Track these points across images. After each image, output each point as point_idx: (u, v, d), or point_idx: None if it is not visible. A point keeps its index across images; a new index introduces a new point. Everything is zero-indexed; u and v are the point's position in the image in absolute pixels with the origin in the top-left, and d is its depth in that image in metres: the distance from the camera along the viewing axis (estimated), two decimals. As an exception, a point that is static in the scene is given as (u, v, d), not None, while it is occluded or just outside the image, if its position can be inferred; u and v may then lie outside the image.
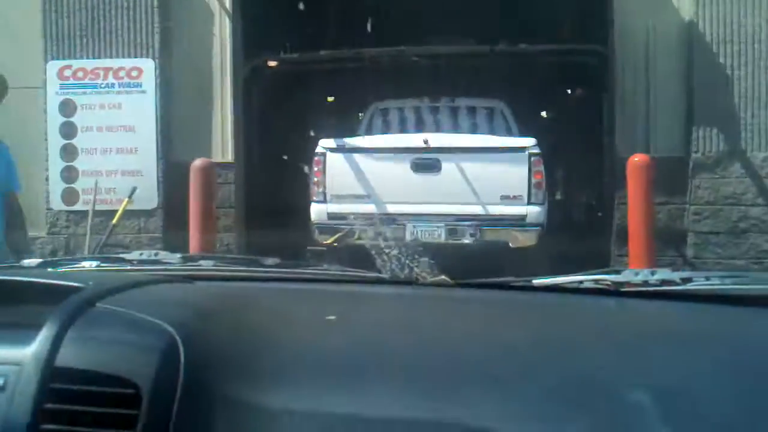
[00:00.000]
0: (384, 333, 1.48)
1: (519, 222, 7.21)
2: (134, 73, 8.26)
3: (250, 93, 9.21)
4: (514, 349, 1.37)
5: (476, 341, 1.42)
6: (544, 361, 1.32)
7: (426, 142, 7.36)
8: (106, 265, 2.09)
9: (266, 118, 9.98)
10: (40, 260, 2.16)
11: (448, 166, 7.23)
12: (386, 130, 8.73)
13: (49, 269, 2.11)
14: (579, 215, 12.25)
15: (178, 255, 2.12)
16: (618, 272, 1.82)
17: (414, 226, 7.07)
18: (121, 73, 8.27)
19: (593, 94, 9.77)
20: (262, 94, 9.89)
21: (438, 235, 7.10)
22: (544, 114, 14.22)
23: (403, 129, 8.74)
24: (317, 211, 7.41)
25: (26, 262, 2.15)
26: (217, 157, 8.19)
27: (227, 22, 8.44)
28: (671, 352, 1.35)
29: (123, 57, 8.29)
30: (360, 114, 10.19)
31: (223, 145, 8.39)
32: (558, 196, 12.86)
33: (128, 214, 7.85)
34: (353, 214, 6.96)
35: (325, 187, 7.37)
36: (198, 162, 7.20)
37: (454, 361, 1.31)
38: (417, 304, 1.79)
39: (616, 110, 7.97)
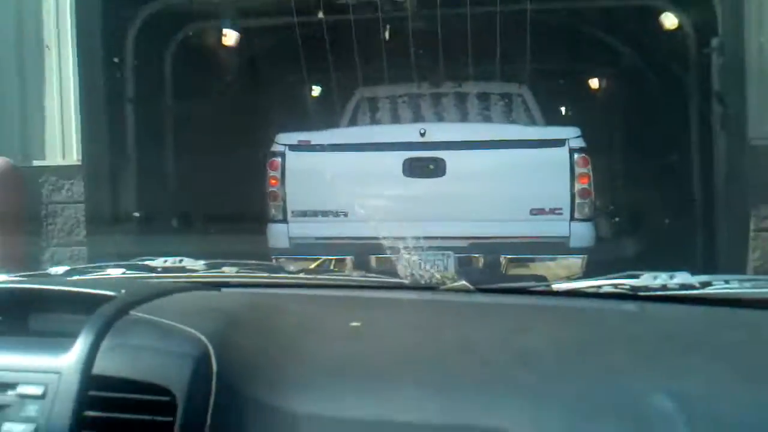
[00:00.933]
0: (407, 338, 1.51)
1: (558, 247, 5.10)
2: None
3: (116, 62, 6.91)
4: (535, 354, 1.39)
5: (498, 346, 1.45)
6: (565, 366, 1.34)
7: (423, 134, 5.18)
8: (132, 273, 2.13)
9: (147, 100, 7.58)
10: (67, 268, 2.20)
11: (454, 169, 5.15)
12: (372, 122, 6.62)
13: (77, 277, 2.16)
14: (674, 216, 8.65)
15: (202, 262, 2.15)
16: (637, 276, 1.84)
17: (409, 255, 4.69)
18: None
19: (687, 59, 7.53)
20: (144, 62, 7.47)
21: (443, 267, 4.66)
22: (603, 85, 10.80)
23: (393, 120, 6.58)
24: (275, 234, 5.33)
25: (53, 270, 2.20)
26: (54, 158, 6.14)
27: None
28: (692, 357, 1.38)
29: None
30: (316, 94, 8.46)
31: (65, 141, 6.12)
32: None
33: None
34: (325, 238, 5.12)
35: (285, 202, 5.27)
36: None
37: (476, 366, 1.34)
38: (439, 310, 1.82)
39: (748, 80, 5.76)
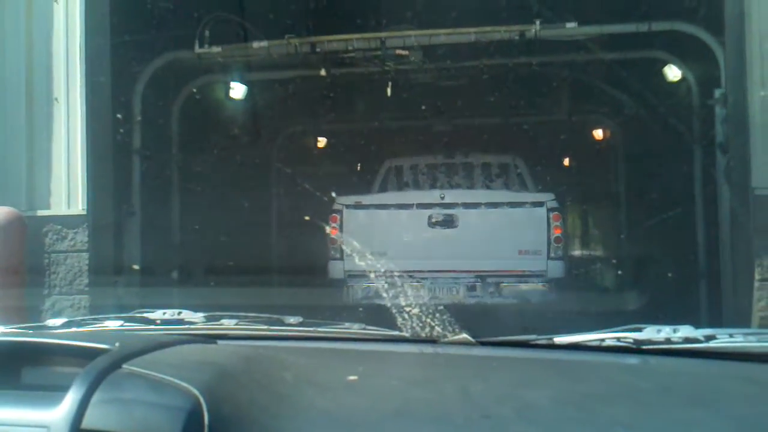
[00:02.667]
0: (406, 392, 1.48)
1: (538, 277, 7.08)
2: None
3: (121, 117, 7.05)
4: (536, 408, 1.36)
5: (499, 400, 1.42)
6: (566, 421, 1.31)
7: (443, 197, 7.32)
8: (130, 325, 2.11)
9: (154, 152, 7.70)
10: (65, 320, 2.18)
11: (464, 222, 7.18)
12: (400, 187, 8.66)
13: (75, 329, 2.14)
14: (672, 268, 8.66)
15: (201, 314, 2.14)
16: (640, 329, 1.81)
17: (432, 283, 6.99)
18: None
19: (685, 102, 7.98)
20: (151, 115, 7.61)
21: (456, 291, 7.01)
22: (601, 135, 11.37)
23: (416, 185, 8.64)
24: (334, 269, 7.30)
25: (50, 321, 2.18)
26: (59, 207, 6.15)
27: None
28: (696, 411, 1.34)
29: None
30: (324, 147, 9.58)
31: (70, 191, 6.14)
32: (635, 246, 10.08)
33: None
34: (371, 271, 6.93)
35: (341, 245, 7.30)
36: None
37: (476, 420, 1.31)
38: (439, 363, 1.80)
39: (751, 131, 5.86)
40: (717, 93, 6.55)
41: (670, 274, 7.97)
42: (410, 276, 6.37)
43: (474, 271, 7.00)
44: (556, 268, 7.11)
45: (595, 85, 8.96)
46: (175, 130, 8.27)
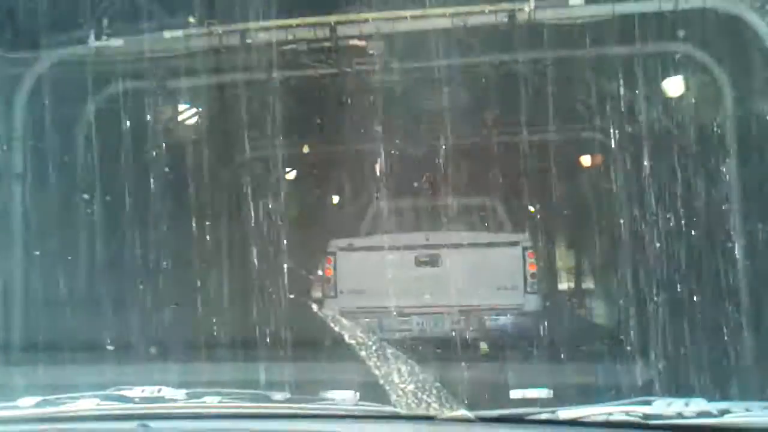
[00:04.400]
0: None
1: (516, 310, 7.55)
2: None
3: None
4: None
5: None
6: None
7: (428, 239, 7.77)
8: (106, 404, 1.99)
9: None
10: (38, 399, 2.05)
11: (447, 261, 7.59)
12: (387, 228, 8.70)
13: (49, 408, 2.02)
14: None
15: (184, 391, 2.02)
16: (649, 402, 1.72)
17: (420, 317, 7.39)
18: None
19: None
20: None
21: (441, 325, 7.43)
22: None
23: (402, 226, 8.75)
24: (329, 305, 7.69)
25: (24, 401, 2.05)
26: None
27: None
28: None
29: None
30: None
31: None
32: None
33: None
34: (363, 308, 7.29)
35: (336, 284, 7.69)
36: None
37: None
38: None
39: None
40: (728, 109, 5.74)
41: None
42: (398, 311, 7.02)
43: (455, 306, 7.40)
44: (532, 301, 7.60)
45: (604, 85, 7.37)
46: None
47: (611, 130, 8.09)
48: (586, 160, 10.71)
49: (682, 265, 6.37)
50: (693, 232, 6.19)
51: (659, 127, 7.40)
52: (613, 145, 8.28)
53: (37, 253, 5.95)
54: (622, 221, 7.74)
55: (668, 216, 6.39)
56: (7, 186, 5.93)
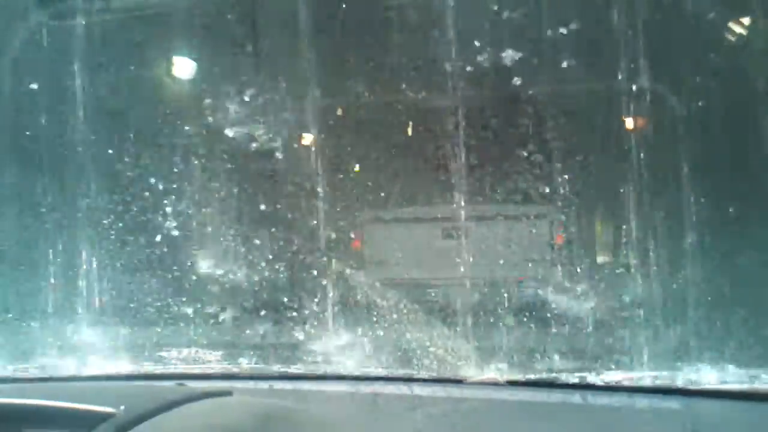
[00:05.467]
0: None
1: (543, 282, 7.96)
2: None
3: None
4: None
5: None
6: None
7: (454, 211, 8.24)
8: (145, 364, 2.04)
9: None
10: (76, 360, 2.12)
11: (475, 234, 7.90)
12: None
13: (87, 368, 2.08)
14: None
15: (219, 352, 2.07)
16: (679, 369, 1.71)
17: (447, 288, 7.69)
18: None
19: None
20: None
21: (468, 296, 7.83)
22: None
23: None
24: (358, 276, 7.99)
25: (62, 362, 2.11)
26: None
27: None
28: None
29: None
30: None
31: None
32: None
33: None
34: (392, 278, 7.71)
35: (363, 255, 8.10)
36: None
37: None
38: (466, 406, 1.70)
39: None
40: None
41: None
42: (425, 283, 7.07)
43: (485, 278, 7.76)
44: (558, 274, 8.05)
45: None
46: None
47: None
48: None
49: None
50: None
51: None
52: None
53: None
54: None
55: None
56: None
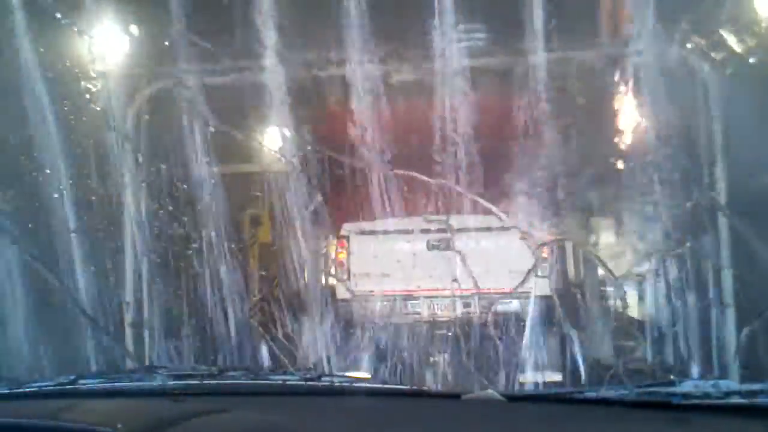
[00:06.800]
0: None
1: (527, 294, 7.30)
2: None
3: None
4: None
5: None
6: None
7: (440, 223, 7.63)
8: (141, 381, 2.03)
9: None
10: (73, 377, 2.10)
11: (459, 245, 7.33)
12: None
13: (83, 383, 2.06)
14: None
15: (215, 368, 2.06)
16: (676, 383, 1.71)
17: (431, 301, 7.45)
18: None
19: None
20: None
21: (453, 308, 7.41)
22: None
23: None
24: (342, 289, 7.88)
25: (57, 377, 2.10)
26: None
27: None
28: None
29: None
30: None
31: None
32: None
33: None
34: (376, 291, 7.50)
35: (349, 267, 7.93)
36: None
37: None
38: (463, 422, 1.70)
39: None
40: None
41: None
42: (408, 297, 7.15)
43: (470, 290, 7.17)
44: (542, 286, 7.37)
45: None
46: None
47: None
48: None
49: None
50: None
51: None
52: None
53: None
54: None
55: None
56: None
